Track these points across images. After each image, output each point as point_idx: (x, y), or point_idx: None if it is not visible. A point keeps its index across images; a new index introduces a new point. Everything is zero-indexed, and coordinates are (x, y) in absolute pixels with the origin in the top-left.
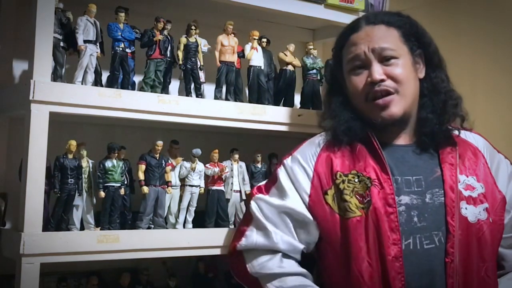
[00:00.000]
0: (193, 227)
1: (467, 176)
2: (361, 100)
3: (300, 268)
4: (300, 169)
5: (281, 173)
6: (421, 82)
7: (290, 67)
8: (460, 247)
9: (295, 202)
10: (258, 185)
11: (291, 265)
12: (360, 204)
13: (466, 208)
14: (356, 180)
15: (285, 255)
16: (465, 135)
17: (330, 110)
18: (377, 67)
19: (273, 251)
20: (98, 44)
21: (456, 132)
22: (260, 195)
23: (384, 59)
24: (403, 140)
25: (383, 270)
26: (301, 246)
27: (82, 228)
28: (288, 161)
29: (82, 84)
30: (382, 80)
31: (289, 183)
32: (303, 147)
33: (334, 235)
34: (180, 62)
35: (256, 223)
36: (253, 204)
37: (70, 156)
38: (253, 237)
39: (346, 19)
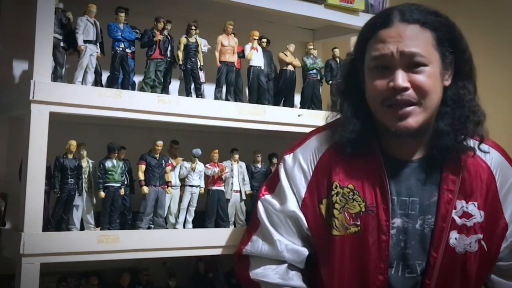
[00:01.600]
0: (193, 227)
1: (467, 203)
2: (377, 102)
3: (302, 283)
4: (299, 170)
5: (282, 171)
6: (446, 90)
7: (290, 67)
8: (439, 279)
9: (293, 205)
10: (265, 183)
11: (295, 278)
12: (346, 223)
13: (455, 239)
14: (351, 197)
15: (290, 266)
16: (481, 152)
17: (341, 112)
18: (402, 73)
19: (278, 260)
20: (98, 44)
21: (471, 150)
22: (266, 196)
23: (412, 65)
24: (410, 154)
25: None
26: (306, 253)
27: (82, 228)
28: (289, 158)
29: (82, 84)
30: (406, 89)
31: (287, 183)
32: (305, 145)
33: (322, 247)
34: (180, 62)
35: (262, 229)
36: (260, 207)
37: (70, 156)
38: (259, 243)
39: (346, 19)
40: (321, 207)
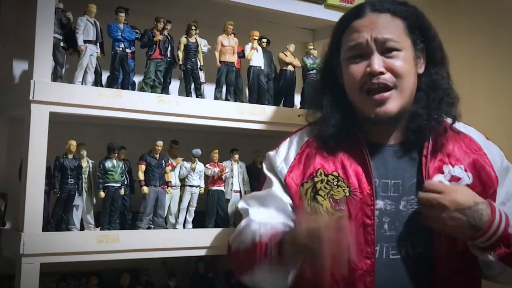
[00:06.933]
0: (193, 227)
1: (453, 166)
2: (356, 90)
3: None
4: (280, 157)
5: (264, 165)
6: (420, 77)
7: (290, 67)
8: (445, 252)
9: (277, 187)
10: None
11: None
12: (330, 209)
13: None
14: (335, 184)
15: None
16: (458, 126)
17: (320, 108)
18: (378, 58)
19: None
20: (98, 44)
21: (444, 129)
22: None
23: (386, 51)
24: (389, 138)
25: (351, 284)
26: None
27: (82, 228)
28: (271, 153)
29: (82, 84)
30: (382, 73)
31: (269, 171)
32: (287, 141)
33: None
34: (180, 62)
35: (245, 216)
36: (240, 203)
37: (70, 156)
38: (239, 226)
39: None
40: (301, 189)
